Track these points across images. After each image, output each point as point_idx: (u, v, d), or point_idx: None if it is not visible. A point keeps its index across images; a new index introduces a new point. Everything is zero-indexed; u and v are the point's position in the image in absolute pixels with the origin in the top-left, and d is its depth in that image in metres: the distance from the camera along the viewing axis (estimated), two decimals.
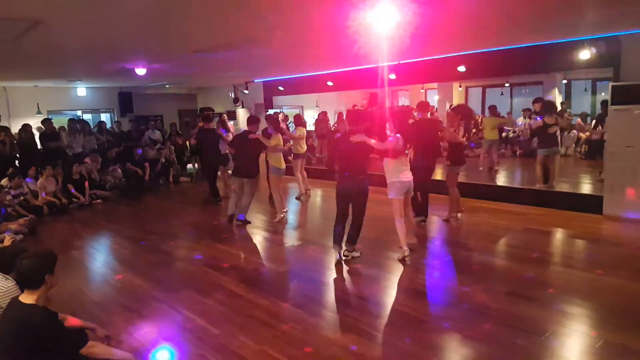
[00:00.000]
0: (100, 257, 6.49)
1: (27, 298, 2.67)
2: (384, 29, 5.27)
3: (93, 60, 8.13)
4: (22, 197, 8.63)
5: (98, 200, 10.00)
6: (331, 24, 5.54)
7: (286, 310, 4.35)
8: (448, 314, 4.16)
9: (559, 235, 6.56)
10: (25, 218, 7.75)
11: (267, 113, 12.68)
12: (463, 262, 5.50)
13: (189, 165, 13.57)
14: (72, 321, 3.06)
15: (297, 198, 9.39)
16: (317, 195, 9.95)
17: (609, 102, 6.93)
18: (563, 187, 8.43)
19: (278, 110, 13.36)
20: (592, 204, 7.25)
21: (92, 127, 12.82)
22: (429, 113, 7.14)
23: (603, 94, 13.78)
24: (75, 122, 12.02)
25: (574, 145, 12.82)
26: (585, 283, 4.73)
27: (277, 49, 7.28)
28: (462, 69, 8.98)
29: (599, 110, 12.58)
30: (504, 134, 13.38)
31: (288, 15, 5.12)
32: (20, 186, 8.76)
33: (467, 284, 4.79)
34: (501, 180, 10.25)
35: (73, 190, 9.62)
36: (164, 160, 12.38)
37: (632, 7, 5.16)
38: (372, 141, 5.25)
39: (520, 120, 13.40)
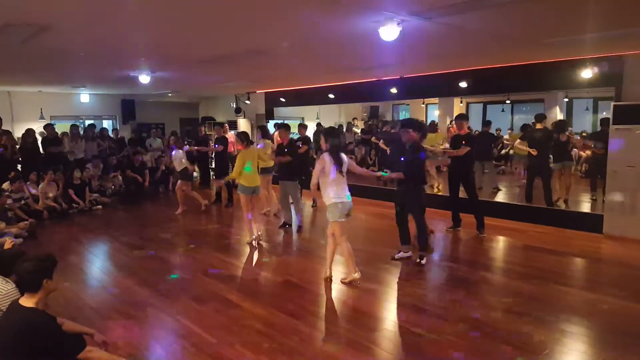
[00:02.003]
0: (98, 263, 6.48)
1: (27, 301, 2.67)
2: (388, 44, 5.32)
3: (98, 67, 8.19)
4: (22, 201, 8.64)
5: (98, 206, 10.02)
6: (336, 37, 5.60)
7: (283, 320, 4.33)
8: (445, 330, 4.13)
9: (558, 253, 6.54)
10: (26, 222, 7.75)
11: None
12: (461, 278, 5.48)
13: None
14: (70, 326, 3.06)
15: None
16: (315, 209, 9.94)
17: (611, 122, 6.95)
18: (563, 205, 8.44)
19: (279, 121, 13.45)
20: (592, 223, 7.26)
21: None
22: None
23: (604, 113, 13.82)
24: (77, 127, 12.06)
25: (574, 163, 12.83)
26: (584, 302, 4.72)
27: (281, 60, 7.35)
28: (463, 84, 9.04)
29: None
30: (503, 151, 13.44)
31: (293, 27, 5.18)
32: (21, 190, 8.78)
33: (465, 300, 4.78)
34: (501, 197, 10.26)
35: (73, 196, 9.65)
36: (164, 167, 12.41)
37: (635, 28, 5.21)
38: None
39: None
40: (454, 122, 12.30)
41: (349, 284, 5.17)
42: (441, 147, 8.97)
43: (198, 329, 4.17)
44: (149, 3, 4.08)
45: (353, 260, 5.18)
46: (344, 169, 5.13)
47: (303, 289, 5.19)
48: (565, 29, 5.35)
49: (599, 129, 9.46)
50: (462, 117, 7.42)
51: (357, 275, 5.17)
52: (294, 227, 7.77)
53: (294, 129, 10.05)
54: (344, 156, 5.20)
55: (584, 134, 13.35)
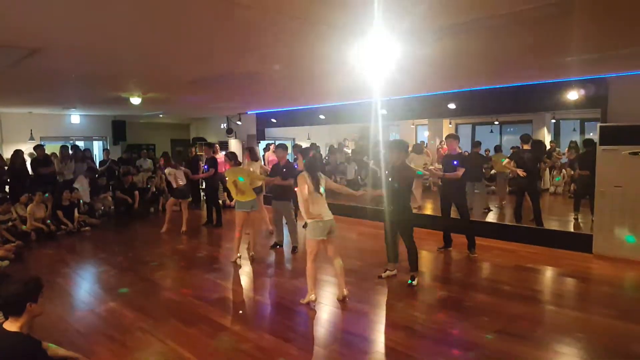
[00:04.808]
0: (85, 285, 6.38)
1: (11, 325, 2.62)
2: (377, 66, 5.39)
3: (89, 88, 8.19)
4: (10, 223, 8.53)
5: (87, 228, 9.90)
6: (327, 60, 5.67)
7: (273, 343, 4.28)
8: (437, 351, 4.11)
9: (549, 273, 6.57)
10: (13, 244, 7.64)
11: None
12: (453, 299, 5.46)
13: None
14: (55, 350, 3.00)
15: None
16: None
17: (598, 143, 7.03)
18: (553, 225, 8.48)
19: (271, 142, 13.57)
20: (581, 243, 7.28)
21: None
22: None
23: (591, 134, 14.05)
24: (66, 148, 11.99)
25: (563, 183, 12.98)
26: (575, 322, 4.72)
27: (272, 82, 7.41)
28: (452, 106, 9.14)
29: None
30: (493, 171, 13.52)
31: (285, 50, 5.23)
32: (9, 212, 8.67)
33: (456, 321, 4.77)
34: (491, 217, 10.31)
35: (62, 217, 9.53)
36: (154, 189, 12.34)
37: (618, 50, 5.34)
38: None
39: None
40: (444, 142, 12.42)
41: (306, 304, 5.17)
42: (431, 167, 9.00)
43: (186, 352, 4.11)
44: (139, 26, 4.12)
45: (312, 282, 5.20)
46: (322, 188, 5.19)
47: (294, 311, 5.14)
48: (551, 52, 5.46)
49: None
50: (453, 137, 7.39)
51: (313, 297, 5.20)
52: (287, 248, 7.74)
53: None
54: (321, 175, 5.26)
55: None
